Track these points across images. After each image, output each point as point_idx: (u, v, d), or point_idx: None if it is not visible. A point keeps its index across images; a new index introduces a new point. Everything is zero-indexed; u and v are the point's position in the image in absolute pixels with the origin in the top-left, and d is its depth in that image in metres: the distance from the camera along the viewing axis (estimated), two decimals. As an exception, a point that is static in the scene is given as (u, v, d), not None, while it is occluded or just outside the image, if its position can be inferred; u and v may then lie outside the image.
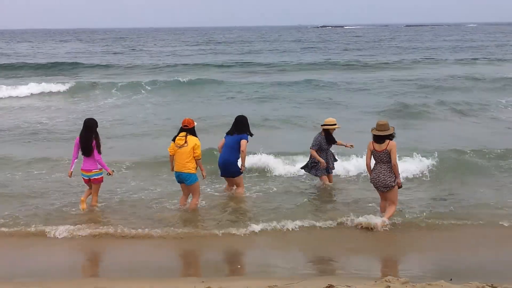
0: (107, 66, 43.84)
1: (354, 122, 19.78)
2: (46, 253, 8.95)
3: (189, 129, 10.37)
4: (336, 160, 12.35)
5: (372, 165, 9.99)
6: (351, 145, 12.08)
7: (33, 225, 9.85)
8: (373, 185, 10.05)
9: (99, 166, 10.45)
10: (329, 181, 12.12)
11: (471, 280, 6.65)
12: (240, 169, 11.18)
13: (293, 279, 7.31)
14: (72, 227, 9.69)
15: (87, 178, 10.52)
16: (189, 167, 10.30)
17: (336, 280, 6.94)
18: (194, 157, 10.28)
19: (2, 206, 10.84)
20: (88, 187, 10.77)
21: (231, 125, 11.40)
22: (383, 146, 9.65)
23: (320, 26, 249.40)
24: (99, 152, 10.43)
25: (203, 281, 7.07)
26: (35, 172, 13.43)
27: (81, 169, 10.54)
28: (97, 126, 10.59)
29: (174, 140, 10.41)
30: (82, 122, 10.73)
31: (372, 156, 9.90)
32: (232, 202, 11.05)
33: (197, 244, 9.27)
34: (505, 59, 47.59)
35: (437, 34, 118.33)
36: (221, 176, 11.57)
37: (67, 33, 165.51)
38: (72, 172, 10.83)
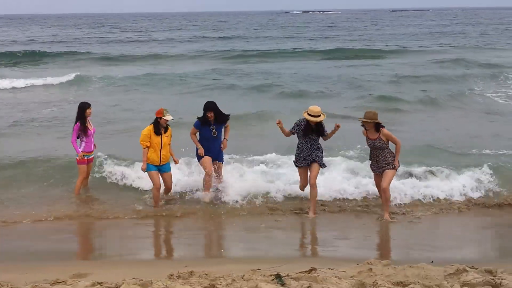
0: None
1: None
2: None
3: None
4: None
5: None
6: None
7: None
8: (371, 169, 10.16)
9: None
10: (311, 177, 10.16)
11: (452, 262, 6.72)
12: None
13: (276, 262, 7.34)
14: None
15: (88, 158, 10.88)
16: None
17: (319, 263, 6.97)
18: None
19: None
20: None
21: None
22: (376, 134, 9.65)
23: (303, 11, 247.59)
24: (75, 136, 10.64)
25: (186, 265, 7.06)
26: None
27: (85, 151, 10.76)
28: (83, 111, 10.61)
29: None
30: None
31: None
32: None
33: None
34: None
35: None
36: (208, 157, 10.55)
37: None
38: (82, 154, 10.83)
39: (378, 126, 9.63)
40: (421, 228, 9.49)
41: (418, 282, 5.94)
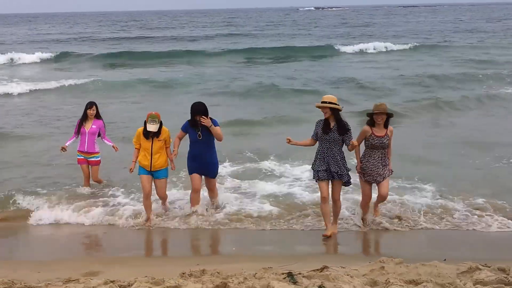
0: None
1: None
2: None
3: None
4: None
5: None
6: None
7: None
8: (367, 175, 9.00)
9: (97, 149, 10.89)
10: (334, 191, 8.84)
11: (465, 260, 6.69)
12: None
13: (288, 260, 7.34)
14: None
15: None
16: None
17: (330, 261, 6.96)
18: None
19: None
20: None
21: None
22: (384, 131, 8.86)
23: (314, 8, 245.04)
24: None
25: (198, 264, 7.08)
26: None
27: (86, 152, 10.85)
28: (84, 108, 10.78)
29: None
30: None
31: (364, 143, 8.94)
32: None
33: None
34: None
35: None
36: (197, 174, 9.62)
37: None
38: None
39: (387, 121, 8.86)
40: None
41: (431, 280, 5.90)
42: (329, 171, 8.58)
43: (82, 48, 45.60)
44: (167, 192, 9.84)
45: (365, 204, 9.25)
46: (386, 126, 8.84)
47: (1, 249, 8.50)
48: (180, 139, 9.62)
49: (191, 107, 9.37)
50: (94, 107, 10.70)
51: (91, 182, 10.98)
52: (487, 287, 5.69)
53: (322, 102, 8.48)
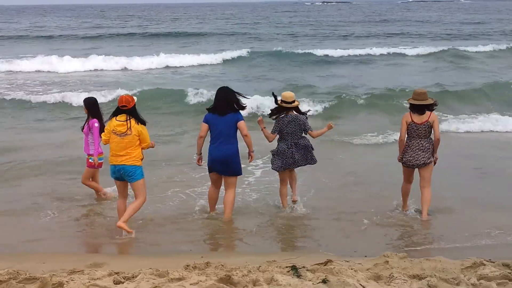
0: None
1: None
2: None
3: (128, 110, 8.18)
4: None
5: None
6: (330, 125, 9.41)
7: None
8: (408, 163, 9.02)
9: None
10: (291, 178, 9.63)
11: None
12: (249, 159, 9.07)
13: (291, 254, 7.36)
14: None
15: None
16: (134, 156, 8.20)
17: (334, 255, 6.98)
18: (142, 147, 8.31)
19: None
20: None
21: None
22: (424, 118, 8.83)
23: (321, 2, 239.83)
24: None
25: (202, 256, 7.10)
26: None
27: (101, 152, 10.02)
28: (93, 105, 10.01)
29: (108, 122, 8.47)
30: None
31: (406, 131, 8.94)
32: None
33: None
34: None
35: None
36: (217, 173, 8.90)
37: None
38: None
39: (424, 108, 8.78)
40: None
41: (435, 275, 5.91)
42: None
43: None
44: None
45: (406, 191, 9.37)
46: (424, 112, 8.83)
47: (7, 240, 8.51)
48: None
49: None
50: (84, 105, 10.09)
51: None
52: (491, 282, 5.70)
53: (286, 102, 9.10)
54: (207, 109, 8.92)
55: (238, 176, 9.02)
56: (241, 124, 8.58)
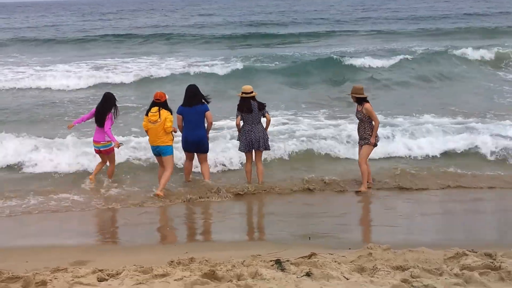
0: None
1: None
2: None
3: (161, 103, 10.22)
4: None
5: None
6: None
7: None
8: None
9: (107, 138, 10.56)
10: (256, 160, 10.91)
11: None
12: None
13: (276, 248, 7.36)
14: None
15: (98, 149, 10.72)
16: (165, 140, 10.22)
17: (319, 248, 7.00)
18: (164, 129, 10.14)
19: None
20: (100, 160, 10.98)
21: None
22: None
23: None
24: (110, 125, 10.60)
25: (186, 252, 7.09)
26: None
27: (93, 140, 10.78)
28: (115, 100, 10.86)
29: (146, 114, 10.30)
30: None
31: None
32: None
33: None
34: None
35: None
36: (190, 152, 10.80)
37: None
38: (72, 126, 11.28)
39: (360, 100, 10.41)
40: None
41: (418, 266, 5.96)
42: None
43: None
44: None
45: None
46: (361, 103, 10.44)
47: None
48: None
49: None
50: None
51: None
52: (473, 272, 5.74)
53: (245, 93, 10.50)
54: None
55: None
56: (208, 114, 10.54)
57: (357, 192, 10.32)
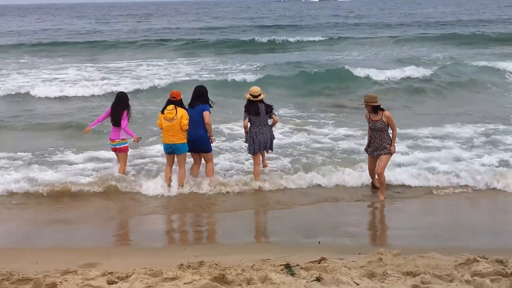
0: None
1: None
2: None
3: (177, 101, 10.41)
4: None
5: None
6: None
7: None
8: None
9: (122, 136, 10.83)
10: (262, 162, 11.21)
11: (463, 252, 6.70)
12: (211, 142, 10.93)
13: (285, 252, 7.34)
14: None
15: (113, 147, 10.97)
16: (182, 137, 10.37)
17: (328, 253, 6.98)
18: (181, 127, 10.28)
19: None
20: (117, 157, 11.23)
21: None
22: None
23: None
24: (127, 122, 10.87)
25: (196, 255, 7.09)
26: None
27: (109, 138, 11.04)
28: (128, 99, 11.10)
29: (162, 112, 10.44)
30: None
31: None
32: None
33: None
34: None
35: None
36: (193, 151, 10.91)
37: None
38: (89, 130, 11.56)
39: (376, 109, 10.10)
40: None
41: (428, 272, 5.92)
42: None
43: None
44: None
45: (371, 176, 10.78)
46: (377, 111, 10.14)
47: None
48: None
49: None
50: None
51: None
52: (484, 279, 5.70)
53: (254, 96, 10.54)
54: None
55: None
56: (205, 114, 10.57)
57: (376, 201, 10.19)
